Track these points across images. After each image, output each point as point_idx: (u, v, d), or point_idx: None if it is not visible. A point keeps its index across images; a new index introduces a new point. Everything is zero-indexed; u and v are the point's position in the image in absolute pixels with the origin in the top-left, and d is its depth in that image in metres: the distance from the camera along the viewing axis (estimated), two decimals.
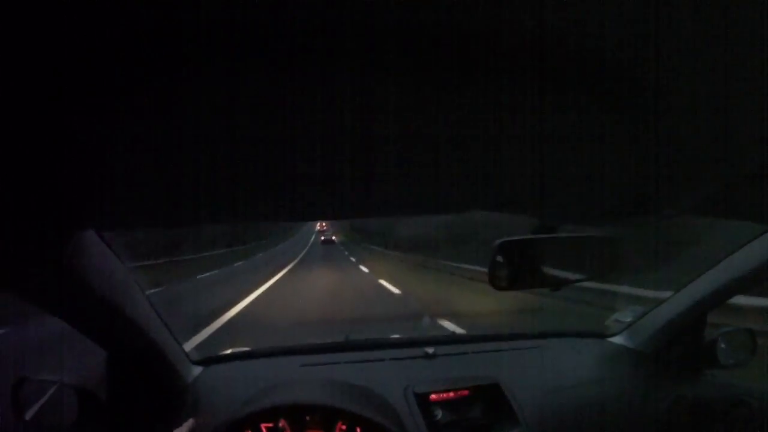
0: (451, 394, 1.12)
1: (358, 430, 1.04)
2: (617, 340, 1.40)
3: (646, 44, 0.28)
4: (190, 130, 0.36)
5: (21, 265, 0.57)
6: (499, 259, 0.74)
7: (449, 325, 4.65)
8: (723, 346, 1.18)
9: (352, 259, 17.34)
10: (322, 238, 38.27)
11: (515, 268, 0.75)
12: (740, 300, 3.23)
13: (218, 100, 0.32)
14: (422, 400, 1.09)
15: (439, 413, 1.09)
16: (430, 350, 1.30)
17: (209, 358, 1.26)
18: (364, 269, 12.76)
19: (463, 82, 0.32)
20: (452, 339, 1.47)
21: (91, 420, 0.89)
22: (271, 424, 1.02)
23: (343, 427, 1.05)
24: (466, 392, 1.13)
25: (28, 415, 0.85)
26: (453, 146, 0.41)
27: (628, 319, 1.41)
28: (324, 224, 41.73)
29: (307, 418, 1.04)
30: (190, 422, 0.98)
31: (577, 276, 0.82)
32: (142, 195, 0.49)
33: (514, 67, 0.30)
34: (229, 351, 1.35)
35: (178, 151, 0.39)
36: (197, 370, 1.18)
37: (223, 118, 0.35)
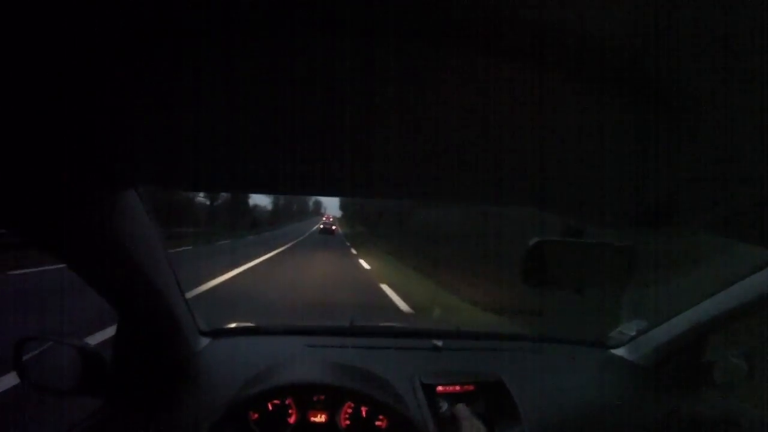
0: (457, 387, 1.13)
1: (364, 412, 1.05)
2: (619, 351, 1.41)
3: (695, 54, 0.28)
4: (198, 100, 0.38)
5: (55, 215, 0.57)
6: (532, 257, 0.76)
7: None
8: (721, 367, 1.20)
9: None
10: (321, 226, 35.83)
11: (546, 268, 0.78)
12: None
13: (222, 71, 0.34)
14: (429, 391, 1.10)
15: (444, 405, 1.09)
16: (439, 343, 1.31)
17: (217, 331, 1.27)
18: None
19: (466, 63, 0.32)
20: (459, 333, 1.47)
21: (94, 380, 0.89)
22: (277, 402, 1.02)
23: (350, 409, 1.05)
24: (471, 387, 1.14)
25: (30, 373, 0.86)
26: (454, 131, 0.41)
27: (632, 333, 1.42)
28: (330, 217, 40.03)
29: (314, 398, 1.04)
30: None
31: (599, 282, 0.85)
32: (172, 156, 0.53)
33: (523, 53, 0.30)
34: (234, 325, 1.35)
35: (193, 122, 0.42)
36: (204, 341, 1.18)
37: (226, 90, 0.36)
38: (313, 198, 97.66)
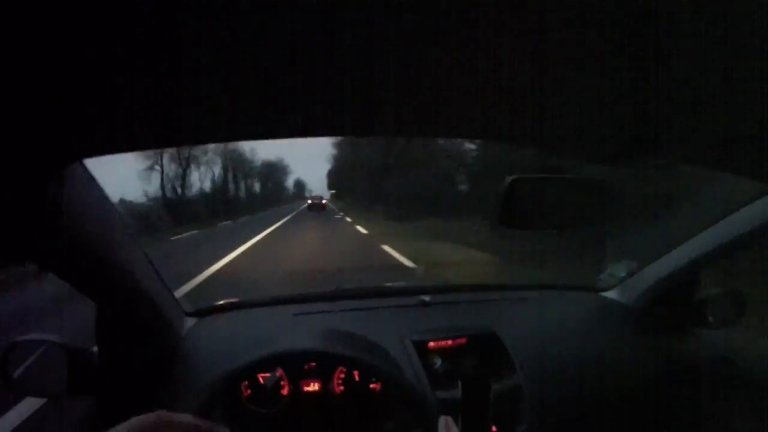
0: (449, 342, 1.11)
1: (357, 376, 1.04)
2: (611, 294, 1.41)
3: None
4: (178, 38, 0.33)
5: (1, 206, 0.51)
6: (508, 196, 0.73)
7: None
8: (713, 305, 1.20)
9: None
10: (309, 201, 32.03)
11: (524, 207, 0.75)
12: None
13: (213, 6, 0.30)
14: (420, 348, 1.09)
15: (437, 361, 1.08)
16: (426, 298, 1.29)
17: (202, 310, 1.25)
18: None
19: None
20: (447, 288, 1.47)
21: (81, 378, 0.86)
22: (268, 375, 1.01)
23: (342, 375, 1.04)
24: (463, 341, 1.12)
25: (16, 374, 0.83)
26: (453, 65, 0.39)
27: (622, 275, 1.42)
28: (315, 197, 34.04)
29: (305, 367, 1.03)
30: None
31: (580, 220, 0.81)
32: (131, 113, 0.45)
33: None
34: (221, 302, 1.33)
35: (168, 61, 0.36)
36: (191, 321, 1.16)
37: (216, 28, 0.32)
38: (293, 178, 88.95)
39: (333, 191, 54.92)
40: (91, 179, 0.67)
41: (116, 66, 0.35)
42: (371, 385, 1.04)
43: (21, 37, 0.30)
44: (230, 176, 39.98)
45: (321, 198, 32.73)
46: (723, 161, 0.61)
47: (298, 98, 0.45)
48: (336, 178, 51.51)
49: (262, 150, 57.64)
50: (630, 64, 0.38)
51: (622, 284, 1.40)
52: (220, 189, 36.62)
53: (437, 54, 0.37)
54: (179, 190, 30.01)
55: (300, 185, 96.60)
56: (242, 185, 46.05)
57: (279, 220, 19.32)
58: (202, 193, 33.38)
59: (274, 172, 59.21)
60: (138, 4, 0.28)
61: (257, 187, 53.40)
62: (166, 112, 0.47)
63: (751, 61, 0.36)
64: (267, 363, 0.91)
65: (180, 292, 4.73)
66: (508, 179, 0.73)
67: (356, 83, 0.42)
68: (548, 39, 0.34)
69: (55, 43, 0.31)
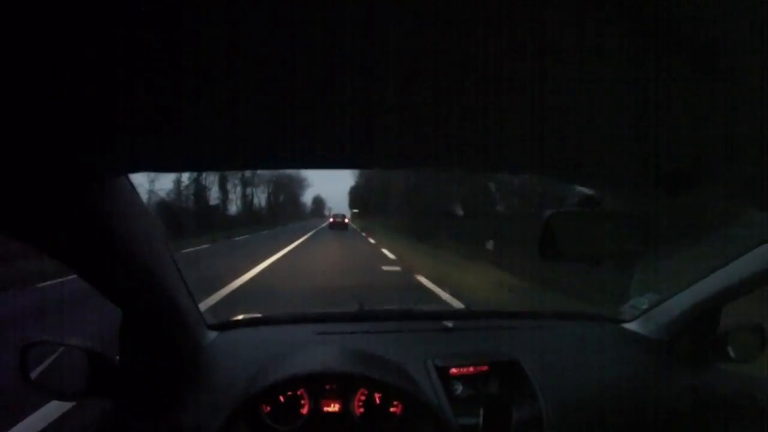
0: (471, 369, 1.11)
1: (378, 399, 1.03)
2: (632, 326, 1.41)
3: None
4: (194, 76, 0.37)
5: (46, 209, 0.55)
6: (548, 229, 0.75)
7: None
8: (734, 340, 1.19)
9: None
10: (331, 220, 30.51)
11: (564, 240, 0.76)
12: None
13: (219, 42, 0.33)
14: (442, 373, 1.08)
15: (459, 388, 1.08)
16: (449, 324, 1.29)
17: (224, 323, 1.25)
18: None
19: (469, 21, 0.30)
20: (470, 314, 1.47)
21: (101, 383, 0.87)
22: (289, 393, 1.01)
23: (363, 396, 1.03)
24: (485, 368, 1.12)
25: (33, 375, 0.84)
26: (456, 90, 0.39)
27: (644, 306, 1.41)
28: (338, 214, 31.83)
29: (327, 387, 1.03)
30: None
31: (618, 252, 0.83)
32: (164, 139, 0.50)
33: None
34: (242, 317, 1.34)
35: (187, 99, 0.40)
36: (212, 335, 1.16)
37: (223, 63, 0.35)
38: (312, 195, 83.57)
39: (355, 210, 49.74)
40: (134, 192, 0.71)
41: (165, 94, 0.39)
42: (392, 409, 1.03)
43: (82, 51, 0.32)
44: (213, 180, 28.86)
45: (343, 216, 31.60)
46: (752, 196, 0.62)
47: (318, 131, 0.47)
48: (359, 195, 48.00)
49: None
50: (675, 91, 0.37)
51: (643, 316, 1.40)
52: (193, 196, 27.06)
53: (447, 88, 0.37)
54: None
55: (319, 202, 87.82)
56: (235, 194, 34.40)
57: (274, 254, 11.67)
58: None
59: (288, 183, 48.06)
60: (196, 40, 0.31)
61: (262, 199, 41.52)
62: (197, 141, 0.51)
63: None
64: (290, 383, 0.91)
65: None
66: (547, 213, 0.75)
67: (357, 115, 0.43)
68: (583, 77, 0.34)
69: (118, 66, 0.34)
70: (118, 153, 0.53)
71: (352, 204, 55.53)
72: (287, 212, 49.48)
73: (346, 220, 31.29)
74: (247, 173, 32.96)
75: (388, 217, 26.31)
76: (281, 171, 41.58)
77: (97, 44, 0.31)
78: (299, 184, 51.65)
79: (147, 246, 0.76)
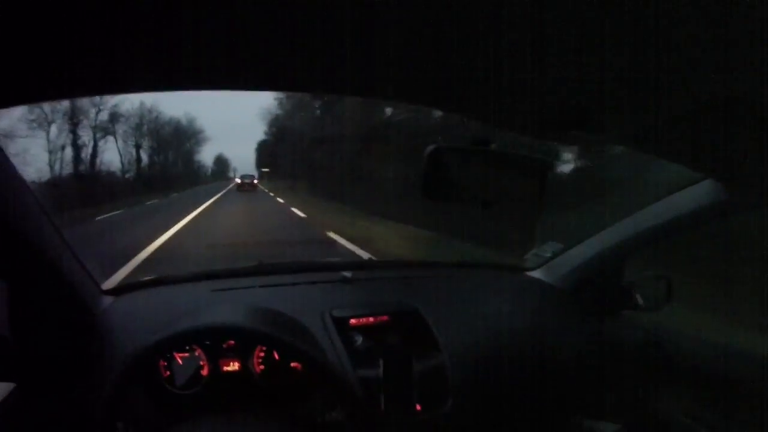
0: (371, 319, 1.10)
1: (276, 356, 1.01)
2: (535, 274, 1.41)
3: None
4: None
5: None
6: (432, 166, 0.69)
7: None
8: (641, 289, 1.20)
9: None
10: (238, 181, 29.34)
11: (448, 178, 0.71)
12: None
13: None
14: (341, 324, 1.07)
15: (359, 339, 1.07)
16: (348, 274, 1.26)
17: (119, 288, 1.20)
18: None
19: None
20: (369, 264, 1.47)
21: None
22: (186, 354, 0.98)
23: (261, 353, 1.01)
24: (385, 318, 1.11)
25: None
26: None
27: (548, 255, 1.42)
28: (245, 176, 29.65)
29: (224, 346, 1.00)
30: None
31: (507, 196, 0.78)
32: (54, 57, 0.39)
33: None
34: (139, 279, 1.27)
35: None
36: (108, 300, 1.11)
37: None
38: (213, 154, 75.85)
39: (265, 169, 43.06)
40: None
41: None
42: (292, 364, 1.01)
43: None
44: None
45: (252, 177, 30.06)
46: (656, 145, 0.61)
47: (261, 46, 0.42)
48: (269, 152, 40.93)
49: (160, 101, 34.24)
50: (572, 38, 0.37)
51: (547, 264, 1.40)
52: None
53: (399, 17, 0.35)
54: None
55: (222, 162, 75.79)
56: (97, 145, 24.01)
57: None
58: None
59: (180, 134, 37.00)
60: None
61: (142, 154, 30.31)
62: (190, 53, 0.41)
63: (694, 43, 0.36)
64: (181, 340, 0.87)
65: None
66: (430, 148, 0.69)
67: (355, 39, 0.39)
68: (503, 12, 0.34)
69: None
70: None
71: (260, 163, 48.59)
72: (177, 174, 37.39)
73: (255, 181, 29.76)
74: (104, 119, 24.77)
75: (299, 178, 24.30)
76: (164, 120, 34.19)
77: None
78: (195, 138, 41.17)
79: (15, 205, 0.73)
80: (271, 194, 21.15)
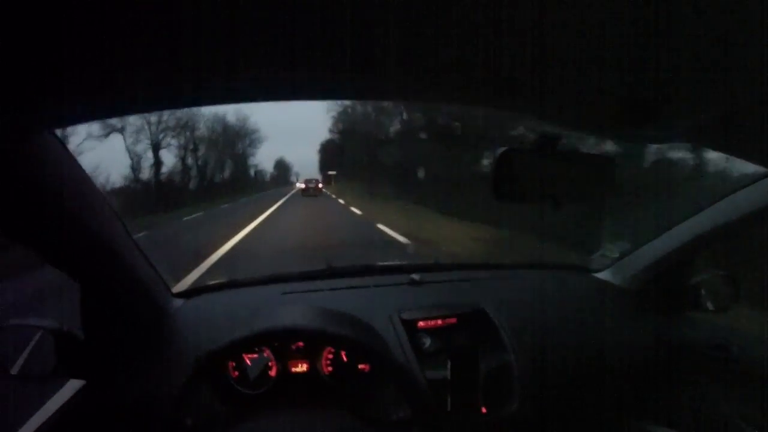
0: (439, 321, 1.10)
1: (345, 357, 1.02)
2: (602, 275, 1.40)
3: None
4: None
5: None
6: (501, 167, 0.70)
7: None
8: (707, 290, 1.18)
9: None
10: (302, 186, 27.67)
11: (519, 179, 0.72)
12: None
13: None
14: (409, 327, 1.07)
15: (427, 341, 1.07)
16: (416, 277, 1.27)
17: (189, 291, 1.22)
18: None
19: None
20: (437, 266, 1.45)
21: (70, 361, 0.85)
22: (255, 355, 1.00)
23: (330, 355, 1.03)
24: (453, 320, 1.11)
25: (14, 368, 0.82)
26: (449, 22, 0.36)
27: (615, 255, 1.40)
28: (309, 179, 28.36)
29: (293, 347, 1.02)
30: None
31: (575, 195, 0.78)
32: (102, 77, 0.41)
33: None
34: (208, 283, 1.31)
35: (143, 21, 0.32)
36: (178, 302, 1.14)
37: None
38: (273, 159, 74.61)
39: (331, 172, 41.76)
40: (65, 153, 0.65)
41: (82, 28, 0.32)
42: (360, 366, 1.02)
43: None
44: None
45: (317, 181, 28.41)
46: (721, 140, 0.59)
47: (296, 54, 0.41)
48: (335, 153, 39.13)
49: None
50: (634, 30, 0.36)
51: (614, 265, 1.39)
52: None
53: (438, 17, 0.35)
54: None
55: (282, 167, 74.44)
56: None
57: None
58: None
59: (231, 137, 34.77)
60: None
61: (191, 163, 29.08)
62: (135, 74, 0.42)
63: (758, 40, 0.34)
64: (252, 341, 0.88)
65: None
66: (500, 150, 0.70)
67: (357, 40, 0.38)
68: (548, 3, 0.32)
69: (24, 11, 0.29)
70: (34, 104, 0.44)
71: (324, 165, 48.14)
72: (229, 183, 35.11)
73: (320, 186, 28.42)
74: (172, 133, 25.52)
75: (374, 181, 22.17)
76: (218, 119, 32.52)
77: None
78: (247, 139, 38.05)
79: (89, 210, 0.73)
80: (341, 201, 19.47)
